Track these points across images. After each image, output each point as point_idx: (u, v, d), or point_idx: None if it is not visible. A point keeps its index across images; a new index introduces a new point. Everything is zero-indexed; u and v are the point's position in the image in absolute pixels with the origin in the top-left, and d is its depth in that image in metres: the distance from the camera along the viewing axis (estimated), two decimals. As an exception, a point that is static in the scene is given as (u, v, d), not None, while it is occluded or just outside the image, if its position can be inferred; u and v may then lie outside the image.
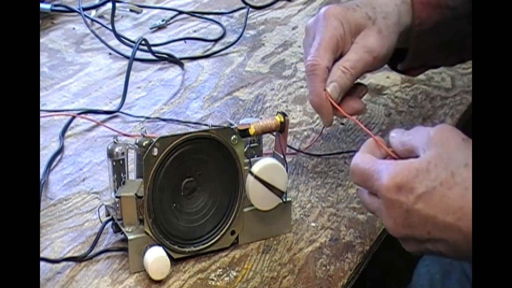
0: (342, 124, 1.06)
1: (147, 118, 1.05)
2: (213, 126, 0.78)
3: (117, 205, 0.79)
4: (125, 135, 1.01)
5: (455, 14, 0.94)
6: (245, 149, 0.80)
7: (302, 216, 0.88)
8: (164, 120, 1.05)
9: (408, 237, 0.72)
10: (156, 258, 0.76)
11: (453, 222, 0.69)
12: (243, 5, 1.41)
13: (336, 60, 0.89)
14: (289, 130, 0.89)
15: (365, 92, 0.93)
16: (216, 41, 1.30)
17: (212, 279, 0.78)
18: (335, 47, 0.89)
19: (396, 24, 0.92)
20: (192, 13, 1.40)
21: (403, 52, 0.96)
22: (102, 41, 1.25)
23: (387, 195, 0.71)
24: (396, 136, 0.77)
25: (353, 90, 0.91)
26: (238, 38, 1.29)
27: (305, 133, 1.04)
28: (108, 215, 0.81)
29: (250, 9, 1.41)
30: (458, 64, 1.08)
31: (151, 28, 1.35)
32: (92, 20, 1.33)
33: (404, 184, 0.70)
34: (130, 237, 0.77)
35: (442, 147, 0.72)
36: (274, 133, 0.83)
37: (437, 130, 0.73)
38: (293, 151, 0.99)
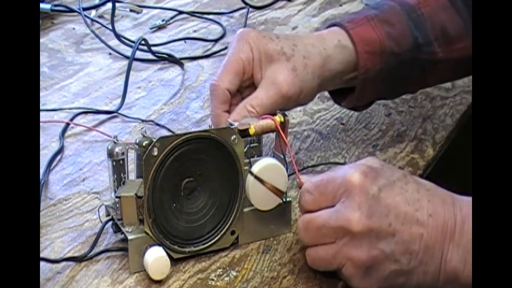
0: (342, 124, 1.06)
1: (143, 121, 1.05)
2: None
3: (117, 205, 0.79)
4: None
5: (400, 60, 0.94)
6: (245, 149, 0.80)
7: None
8: (158, 125, 1.05)
9: (370, 230, 0.72)
10: (156, 258, 0.76)
11: (412, 212, 0.72)
12: (243, 5, 1.41)
13: (245, 83, 0.89)
14: (289, 130, 0.89)
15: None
16: (216, 41, 1.30)
17: (212, 279, 0.78)
18: (240, 71, 0.88)
19: (319, 67, 0.90)
20: (192, 13, 1.40)
21: (345, 90, 0.95)
22: (102, 41, 1.25)
23: (355, 180, 0.73)
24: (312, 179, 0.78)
25: None
26: (238, 38, 1.29)
27: (305, 133, 1.04)
28: (108, 215, 0.81)
29: (250, 9, 1.41)
30: (403, 95, 1.08)
31: (151, 28, 1.35)
32: (92, 20, 1.33)
33: (368, 173, 0.73)
34: (130, 237, 0.77)
35: (382, 162, 0.77)
36: (274, 133, 0.83)
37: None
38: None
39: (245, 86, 0.90)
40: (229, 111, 0.88)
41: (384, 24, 0.93)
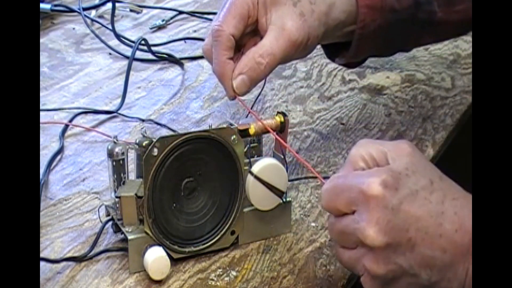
0: (342, 124, 1.06)
1: (143, 120, 1.05)
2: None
3: (117, 205, 0.79)
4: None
5: (399, 17, 0.91)
6: (245, 149, 0.80)
7: (302, 216, 0.88)
8: (159, 124, 1.05)
9: (387, 245, 0.67)
10: (156, 258, 0.76)
11: (435, 226, 0.67)
12: (243, 5, 1.41)
13: (247, 29, 0.83)
14: (289, 130, 0.89)
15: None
16: (216, 41, 1.30)
17: (212, 279, 0.78)
18: (245, 14, 0.82)
19: (324, 14, 0.85)
20: (192, 13, 1.40)
21: (339, 45, 0.92)
22: (102, 41, 1.25)
23: (373, 192, 0.67)
24: (361, 147, 0.72)
25: None
26: (238, 38, 1.29)
27: (305, 133, 1.04)
28: (108, 215, 0.81)
29: (250, 9, 1.41)
30: (397, 53, 1.05)
31: (151, 28, 1.35)
32: (92, 20, 1.33)
33: (389, 183, 0.68)
34: (130, 237, 0.77)
35: (413, 157, 0.70)
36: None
37: (401, 143, 0.72)
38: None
39: (247, 32, 0.84)
40: (232, 59, 0.82)
41: None
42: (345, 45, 0.92)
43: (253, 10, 0.82)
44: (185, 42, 1.30)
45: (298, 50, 0.84)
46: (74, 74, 1.19)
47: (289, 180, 0.82)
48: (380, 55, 1.03)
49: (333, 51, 0.95)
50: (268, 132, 0.81)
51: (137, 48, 1.16)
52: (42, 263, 0.77)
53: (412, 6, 0.93)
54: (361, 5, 0.88)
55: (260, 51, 0.81)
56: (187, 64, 1.22)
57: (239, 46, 0.85)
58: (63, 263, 0.79)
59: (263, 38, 0.83)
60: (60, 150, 0.98)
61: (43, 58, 1.23)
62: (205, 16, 1.40)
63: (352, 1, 0.88)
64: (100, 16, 1.36)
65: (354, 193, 0.69)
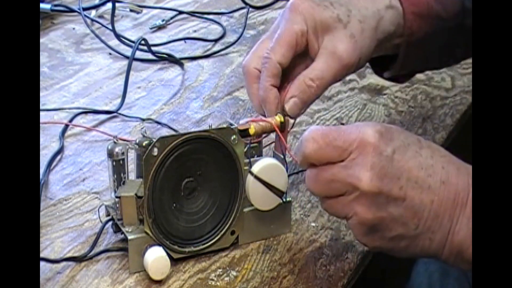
0: (342, 124, 1.06)
1: (143, 120, 1.05)
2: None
3: (117, 205, 0.79)
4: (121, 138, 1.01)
5: (446, 25, 0.92)
6: (245, 149, 0.80)
7: (302, 216, 0.88)
8: (159, 123, 1.05)
9: (380, 191, 0.70)
10: (156, 258, 0.76)
11: (425, 177, 0.70)
12: (243, 5, 1.41)
13: (300, 56, 0.85)
14: (289, 130, 0.89)
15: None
16: (216, 41, 1.30)
17: (212, 279, 0.78)
18: (293, 43, 0.83)
19: (374, 29, 0.87)
20: (192, 13, 1.40)
21: (387, 59, 0.94)
22: (102, 41, 1.25)
23: (370, 139, 0.70)
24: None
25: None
26: (238, 38, 1.29)
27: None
28: (108, 215, 0.81)
29: (250, 9, 1.41)
30: (444, 68, 1.06)
31: (151, 28, 1.35)
32: (92, 20, 1.33)
33: (383, 133, 0.71)
34: (130, 237, 0.77)
35: (399, 127, 0.74)
36: (274, 133, 0.83)
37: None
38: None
39: (297, 60, 0.86)
40: (278, 87, 0.84)
41: None
42: (393, 58, 0.93)
43: (301, 38, 0.84)
44: (185, 42, 1.30)
45: (350, 71, 0.87)
46: (74, 74, 1.19)
47: (288, 175, 0.81)
48: (429, 66, 1.04)
49: (381, 66, 0.96)
50: (268, 132, 0.81)
51: (137, 48, 1.16)
52: (42, 263, 0.77)
53: (460, 14, 0.93)
54: (407, 12, 0.89)
55: (310, 75, 0.83)
56: (187, 64, 1.22)
57: (291, 69, 0.86)
58: (63, 263, 0.79)
59: (314, 62, 0.84)
60: (60, 150, 0.98)
61: (43, 58, 1.23)
62: (205, 16, 1.39)
63: (399, 12, 0.89)
64: (100, 16, 1.36)
65: (349, 141, 0.71)
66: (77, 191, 0.91)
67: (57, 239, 0.83)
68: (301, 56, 0.86)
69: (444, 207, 0.70)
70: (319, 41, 0.85)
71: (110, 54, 1.25)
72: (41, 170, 0.92)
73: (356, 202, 0.71)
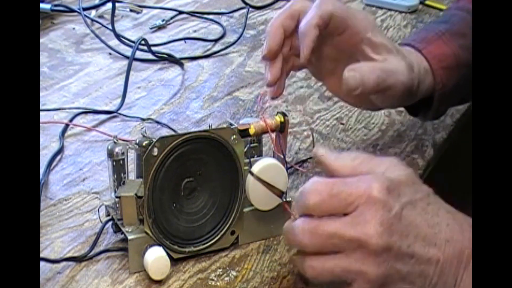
0: (342, 124, 1.06)
1: (143, 120, 1.05)
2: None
3: (117, 205, 0.79)
4: (122, 139, 1.01)
5: None
6: (245, 149, 0.80)
7: (302, 216, 0.88)
8: (159, 123, 1.05)
9: (389, 248, 0.67)
10: (156, 258, 0.76)
11: (431, 235, 0.68)
12: (243, 5, 1.41)
13: (334, 33, 0.85)
14: (289, 130, 0.89)
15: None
16: (216, 41, 1.30)
17: (212, 279, 0.78)
18: (326, 20, 0.83)
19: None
20: (192, 13, 1.41)
21: (420, 102, 0.95)
22: (102, 41, 1.25)
23: (378, 195, 0.67)
24: (343, 158, 0.73)
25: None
26: (238, 38, 1.29)
27: (305, 133, 1.04)
28: (108, 215, 0.81)
29: (250, 9, 1.41)
30: None
31: (151, 28, 1.35)
32: (92, 20, 1.33)
33: (391, 189, 0.68)
34: (130, 237, 0.77)
35: (410, 171, 0.72)
36: (274, 133, 0.83)
37: (393, 158, 0.73)
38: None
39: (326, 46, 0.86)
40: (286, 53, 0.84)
41: (456, 37, 0.93)
42: (425, 100, 0.95)
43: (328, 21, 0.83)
44: (185, 42, 1.30)
45: (403, 92, 0.87)
46: (74, 74, 1.19)
47: (287, 170, 0.81)
48: (462, 103, 1.06)
49: (414, 108, 0.98)
50: (267, 132, 0.81)
51: (137, 48, 1.16)
52: (42, 263, 0.77)
53: None
54: (436, 69, 0.91)
55: (382, 66, 0.84)
56: (187, 64, 1.22)
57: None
58: (63, 263, 0.79)
59: (388, 58, 0.86)
60: (60, 150, 0.98)
61: (43, 58, 1.23)
62: (205, 16, 1.40)
63: (427, 70, 0.91)
64: (100, 16, 1.36)
65: (355, 194, 0.67)
66: (77, 191, 0.91)
67: (57, 239, 0.83)
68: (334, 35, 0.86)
69: (449, 265, 0.69)
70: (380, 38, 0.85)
71: (110, 54, 1.25)
72: (41, 170, 0.92)
73: (362, 261, 0.67)
